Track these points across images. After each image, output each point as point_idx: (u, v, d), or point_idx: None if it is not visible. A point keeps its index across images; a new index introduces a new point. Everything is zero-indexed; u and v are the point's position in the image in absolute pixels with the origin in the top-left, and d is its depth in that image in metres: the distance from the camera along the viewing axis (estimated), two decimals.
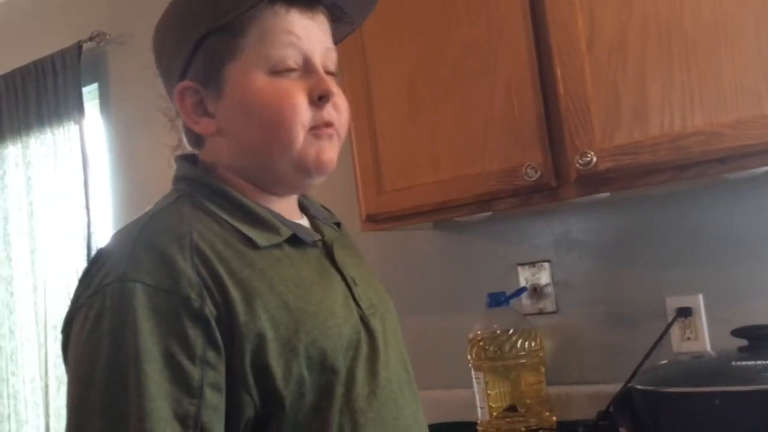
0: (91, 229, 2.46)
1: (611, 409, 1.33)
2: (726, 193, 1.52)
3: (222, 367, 0.72)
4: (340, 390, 0.77)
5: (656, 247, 1.59)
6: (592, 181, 1.33)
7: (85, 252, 2.45)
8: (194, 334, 0.71)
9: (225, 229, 0.79)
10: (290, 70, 0.81)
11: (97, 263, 0.77)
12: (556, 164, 1.36)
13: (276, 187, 0.86)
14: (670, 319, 1.53)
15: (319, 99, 0.82)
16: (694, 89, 1.23)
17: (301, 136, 0.81)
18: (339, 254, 0.88)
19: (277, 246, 0.81)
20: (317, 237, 0.87)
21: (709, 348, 1.51)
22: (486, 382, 1.58)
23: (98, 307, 0.71)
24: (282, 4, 0.82)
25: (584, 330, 1.68)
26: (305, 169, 0.83)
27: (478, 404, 1.60)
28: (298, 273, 0.81)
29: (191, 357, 0.70)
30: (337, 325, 0.80)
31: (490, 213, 1.54)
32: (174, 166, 0.89)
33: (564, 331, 1.70)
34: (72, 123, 2.51)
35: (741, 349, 1.24)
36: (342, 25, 0.90)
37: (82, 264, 2.45)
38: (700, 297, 1.53)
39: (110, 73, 2.58)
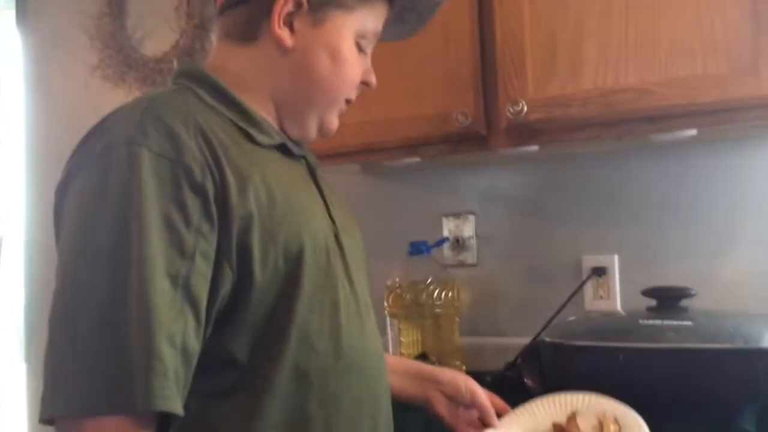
0: None
1: (519, 361, 1.34)
2: (650, 156, 1.54)
3: (213, 240, 0.75)
4: (308, 287, 0.81)
5: (578, 206, 1.61)
6: (522, 131, 1.31)
7: None
8: (192, 204, 0.74)
9: (224, 121, 0.83)
10: (363, 50, 0.93)
11: (100, 129, 0.78)
12: (487, 112, 1.34)
13: (291, 122, 0.92)
14: (584, 276, 1.56)
15: (364, 83, 0.95)
16: (629, 47, 1.22)
17: (340, 100, 0.93)
18: (319, 175, 0.96)
19: (270, 148, 0.87)
20: (303, 153, 0.94)
21: (619, 307, 1.54)
22: (400, 329, 1.58)
23: (105, 165, 0.74)
24: (387, 2, 0.94)
25: (502, 284, 1.69)
26: (320, 126, 0.93)
27: (390, 350, 1.60)
28: (287, 175, 0.87)
29: (188, 224, 0.73)
30: (318, 229, 0.85)
31: (418, 159, 1.51)
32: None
33: (482, 283, 1.70)
34: None
35: (649, 309, 1.27)
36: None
37: None
38: (615, 257, 1.56)
39: None
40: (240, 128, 0.84)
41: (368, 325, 0.91)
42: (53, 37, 2.32)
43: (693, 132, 1.28)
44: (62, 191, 0.79)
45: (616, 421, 1.06)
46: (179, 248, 0.73)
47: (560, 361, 1.23)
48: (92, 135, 0.79)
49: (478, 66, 1.34)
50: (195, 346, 0.74)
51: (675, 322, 1.18)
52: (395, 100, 1.41)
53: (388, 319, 1.61)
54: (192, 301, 0.73)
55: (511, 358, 1.42)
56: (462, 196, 1.73)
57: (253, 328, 0.79)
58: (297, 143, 0.94)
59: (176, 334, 0.71)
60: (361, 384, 0.87)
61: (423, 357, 1.55)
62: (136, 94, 2.13)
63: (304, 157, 0.94)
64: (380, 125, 1.43)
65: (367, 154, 1.48)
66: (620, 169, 1.57)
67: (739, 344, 1.10)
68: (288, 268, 0.80)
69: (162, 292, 0.71)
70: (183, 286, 0.72)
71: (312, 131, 0.93)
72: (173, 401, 0.70)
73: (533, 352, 1.29)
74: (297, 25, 0.87)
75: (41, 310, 2.34)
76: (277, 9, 0.86)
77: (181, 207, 0.73)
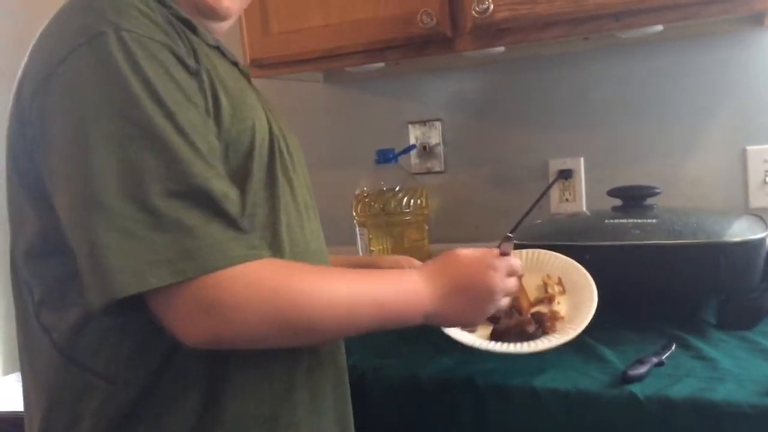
0: None
1: None
2: (616, 57, 1.51)
3: (213, 126, 0.76)
4: (254, 183, 0.81)
5: (544, 110, 1.59)
6: (488, 32, 1.28)
7: None
8: (191, 83, 0.74)
9: (172, 16, 0.79)
10: None
11: (62, 27, 0.75)
12: (452, 12, 1.29)
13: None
14: (551, 179, 1.56)
15: None
16: None
17: None
18: (253, 85, 0.94)
19: (211, 48, 0.85)
20: (235, 60, 0.92)
21: (585, 209, 1.56)
22: (369, 238, 1.58)
23: (98, 51, 0.70)
24: None
25: (470, 189, 1.68)
26: (204, 8, 0.87)
27: None
28: (231, 74, 0.85)
29: (188, 99, 0.73)
30: (263, 127, 0.84)
31: (382, 65, 1.47)
32: None
33: (450, 190, 1.70)
34: None
35: (614, 209, 1.28)
36: None
37: None
38: (581, 159, 1.56)
39: None
40: (187, 25, 0.81)
41: (309, 224, 0.90)
42: None
43: (659, 28, 1.26)
44: (34, 95, 0.73)
45: (560, 282, 1.09)
46: (202, 127, 0.73)
47: None
48: (54, 34, 0.75)
49: None
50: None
51: (640, 220, 1.19)
52: (356, 1, 1.36)
53: (357, 228, 1.60)
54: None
55: None
56: (428, 102, 1.70)
57: None
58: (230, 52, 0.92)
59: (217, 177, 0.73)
60: None
61: None
62: None
63: (236, 64, 0.92)
64: (341, 28, 1.38)
65: (329, 60, 1.43)
66: (586, 71, 1.55)
67: (702, 239, 1.12)
68: (238, 162, 0.79)
69: (205, 166, 0.71)
70: (215, 160, 0.73)
71: (204, 11, 0.88)
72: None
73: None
74: None
75: None
76: None
77: (185, 85, 0.74)
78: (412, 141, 1.72)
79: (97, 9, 0.73)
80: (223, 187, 0.72)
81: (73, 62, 0.71)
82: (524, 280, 1.06)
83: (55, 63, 0.72)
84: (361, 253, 1.60)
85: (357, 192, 1.60)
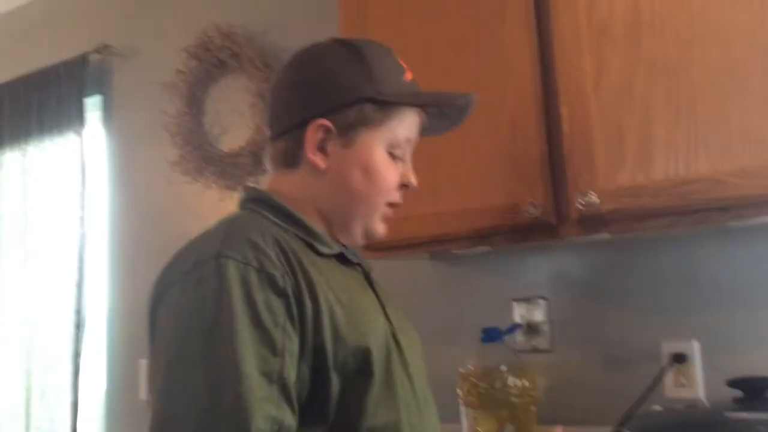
0: (85, 242, 2.44)
1: None
2: (726, 239, 1.51)
3: (297, 339, 0.82)
4: (375, 384, 0.86)
5: (653, 290, 1.58)
6: (593, 221, 1.32)
7: (77, 264, 2.42)
8: (278, 306, 0.81)
9: (291, 236, 0.92)
10: (397, 157, 1.01)
11: (187, 250, 0.88)
12: (557, 202, 1.35)
13: (339, 231, 1.01)
14: (664, 363, 1.52)
15: (404, 185, 1.02)
16: (699, 135, 1.22)
17: (381, 206, 1.00)
18: (374, 279, 1.04)
19: (330, 257, 0.95)
20: (359, 261, 1.02)
21: (702, 396, 1.49)
22: (475, 419, 1.56)
23: (197, 278, 0.82)
24: (419, 109, 1.03)
25: (577, 370, 1.66)
26: (365, 232, 1.01)
27: None
28: (347, 281, 0.95)
29: (275, 324, 0.80)
30: (379, 328, 0.91)
31: (488, 248, 1.53)
32: (241, 195, 1.02)
33: (557, 370, 1.68)
34: (72, 133, 2.51)
35: (735, 400, 1.23)
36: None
37: (73, 276, 2.43)
38: (695, 343, 1.52)
39: (114, 86, 2.58)
40: (304, 241, 0.92)
41: (429, 419, 0.95)
42: (136, 134, 2.47)
43: None
44: (154, 306, 0.87)
45: None
46: (271, 347, 0.79)
47: None
48: (180, 256, 0.89)
49: (545, 157, 1.36)
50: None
51: (764, 415, 1.14)
52: (464, 191, 1.45)
53: (461, 407, 1.59)
54: (287, 395, 0.80)
55: None
56: (532, 280, 1.73)
57: (325, 424, 0.83)
58: (353, 252, 1.02)
59: (278, 422, 0.78)
60: None
61: None
62: (213, 187, 2.23)
63: (359, 264, 1.02)
64: (450, 216, 1.45)
65: (436, 244, 1.51)
66: (695, 252, 1.54)
67: None
68: (357, 366, 0.85)
69: (259, 389, 0.77)
70: (277, 381, 0.79)
71: (358, 237, 1.02)
72: None
73: None
74: (330, 148, 0.98)
75: (121, 394, 2.40)
76: (308, 138, 0.97)
77: (269, 309, 0.80)
78: (517, 319, 1.73)
79: (213, 237, 0.87)
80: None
81: (177, 289, 0.84)
82: None
83: (167, 287, 0.86)
84: None
85: (463, 371, 1.61)
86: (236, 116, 2.20)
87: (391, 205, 1.02)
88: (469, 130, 1.43)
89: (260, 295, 0.81)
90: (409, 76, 1.03)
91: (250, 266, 0.82)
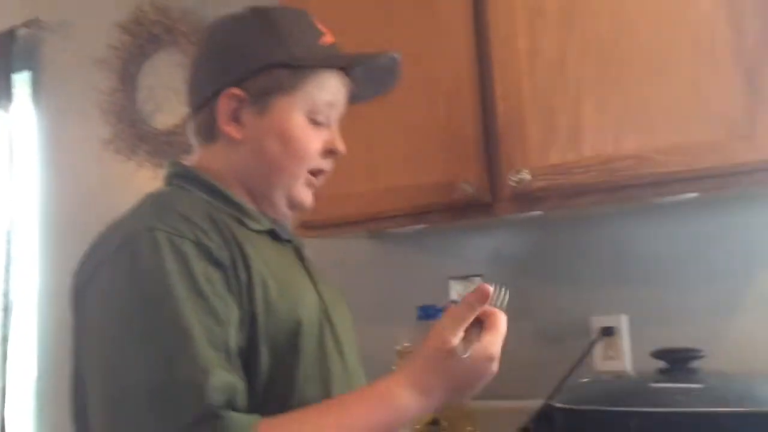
0: (13, 223, 2.35)
1: (531, 427, 1.34)
2: (654, 216, 1.55)
3: (237, 310, 0.82)
4: (304, 359, 0.86)
5: (584, 267, 1.62)
6: (526, 198, 1.34)
7: (5, 246, 2.34)
8: (216, 277, 0.81)
9: (219, 211, 0.90)
10: (320, 123, 0.98)
11: (112, 229, 0.86)
12: (491, 180, 1.37)
13: (262, 200, 0.99)
14: (593, 337, 1.56)
15: (330, 152, 0.99)
16: (628, 113, 1.25)
17: (302, 174, 0.97)
18: (305, 256, 1.03)
19: (262, 233, 0.94)
20: (289, 237, 1.01)
21: (629, 367, 1.54)
22: None
23: (129, 253, 0.80)
24: (338, 71, 0.99)
25: (511, 344, 1.67)
26: (289, 202, 0.99)
27: None
28: (279, 257, 0.94)
29: (215, 293, 0.80)
30: (311, 303, 0.91)
31: (424, 226, 1.53)
32: (167, 168, 1.00)
33: None
34: (0, 110, 2.41)
35: (659, 371, 1.27)
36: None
37: (1, 258, 2.34)
38: (624, 317, 1.56)
39: (44, 61, 2.49)
40: (233, 217, 0.91)
41: None
42: (67, 112, 2.38)
43: (694, 195, 1.31)
44: (81, 290, 0.84)
45: None
46: (214, 316, 0.78)
47: (572, 426, 1.23)
48: (104, 236, 0.86)
49: (480, 135, 1.37)
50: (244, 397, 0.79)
51: (685, 385, 1.18)
52: (400, 168, 1.45)
53: None
54: (235, 364, 0.79)
55: (522, 421, 1.41)
56: (468, 258, 1.75)
57: (256, 397, 0.82)
58: (284, 229, 1.01)
59: (231, 386, 0.77)
60: None
61: (434, 423, 1.54)
62: (147, 165, 2.17)
63: (290, 241, 1.01)
64: (386, 194, 1.46)
65: (373, 222, 1.51)
66: (624, 229, 1.59)
67: (749, 407, 1.10)
68: (287, 340, 0.85)
69: (212, 357, 0.76)
70: (224, 350, 0.78)
71: (282, 207, 1.00)
72: None
73: (545, 416, 1.29)
74: (244, 118, 0.96)
75: (51, 380, 2.34)
76: (220, 109, 0.95)
77: (208, 279, 0.80)
78: (453, 296, 1.75)
79: (142, 213, 0.85)
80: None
81: (108, 267, 0.81)
82: None
83: (96, 268, 0.83)
84: None
85: (399, 348, 1.62)
86: (171, 93, 2.15)
87: (316, 172, 0.99)
88: (404, 108, 1.44)
89: (198, 267, 0.80)
90: (328, 39, 1.00)
91: (186, 238, 0.81)
